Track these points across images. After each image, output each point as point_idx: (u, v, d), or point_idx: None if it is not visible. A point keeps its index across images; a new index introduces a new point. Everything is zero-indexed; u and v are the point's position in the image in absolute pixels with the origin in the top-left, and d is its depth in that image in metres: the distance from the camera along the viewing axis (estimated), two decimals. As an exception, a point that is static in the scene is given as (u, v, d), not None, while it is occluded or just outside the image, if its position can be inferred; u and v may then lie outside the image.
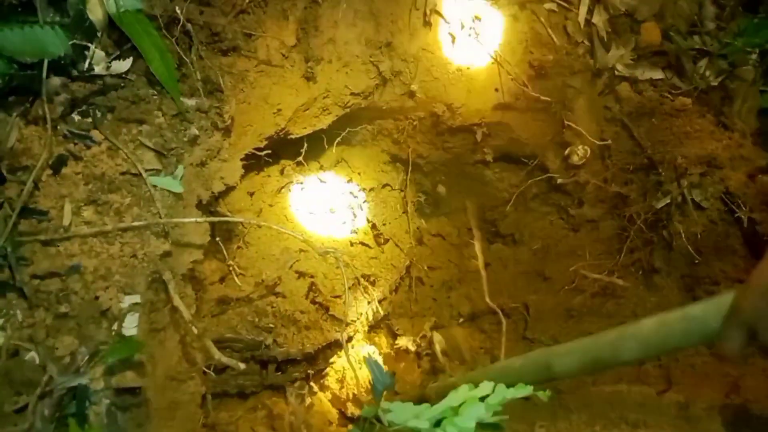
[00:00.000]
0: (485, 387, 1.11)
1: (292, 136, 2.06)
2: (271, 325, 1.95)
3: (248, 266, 2.02)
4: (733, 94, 2.25)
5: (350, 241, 2.32)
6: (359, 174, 2.49)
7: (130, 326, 1.23)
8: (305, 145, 2.20)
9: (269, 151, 1.87)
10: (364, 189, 2.47)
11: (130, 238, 1.28)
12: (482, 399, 1.09)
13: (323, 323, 2.04)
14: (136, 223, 1.28)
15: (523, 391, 1.10)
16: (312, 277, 2.08)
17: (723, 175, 2.15)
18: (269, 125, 1.82)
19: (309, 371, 2.06)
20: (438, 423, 1.10)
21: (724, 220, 2.15)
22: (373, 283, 2.27)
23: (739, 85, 2.25)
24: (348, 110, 2.10)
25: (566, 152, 2.35)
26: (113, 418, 1.17)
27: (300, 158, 2.24)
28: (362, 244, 2.35)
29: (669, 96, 2.25)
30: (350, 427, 1.87)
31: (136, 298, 1.24)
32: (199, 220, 1.39)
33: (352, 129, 2.33)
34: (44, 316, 1.18)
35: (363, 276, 2.25)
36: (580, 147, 2.31)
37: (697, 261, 2.09)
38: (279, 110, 1.82)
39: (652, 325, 1.08)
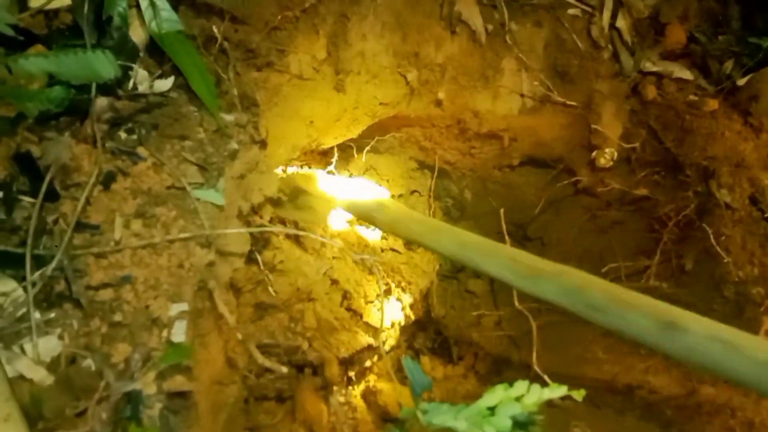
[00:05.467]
0: (520, 387, 1.15)
1: (324, 146, 2.12)
2: (306, 331, 2.01)
3: (284, 273, 2.08)
4: (760, 93, 2.25)
5: (381, 248, 2.37)
6: (388, 181, 2.54)
7: (179, 333, 1.28)
8: (336, 154, 2.26)
9: (303, 162, 1.93)
10: (393, 195, 2.52)
11: (177, 249, 1.34)
12: (518, 399, 1.12)
13: (357, 328, 2.09)
14: (182, 235, 1.34)
15: (559, 391, 1.13)
16: (345, 284, 2.14)
17: (751, 175, 2.16)
18: (302, 136, 1.88)
19: (344, 375, 2.10)
20: (475, 423, 1.13)
21: (753, 220, 2.15)
22: (404, 289, 2.32)
23: (765, 84, 2.25)
24: (377, 119, 2.15)
25: (593, 155, 2.38)
26: (165, 420, 1.23)
27: (331, 167, 2.30)
28: (392, 250, 2.40)
29: (695, 97, 2.26)
30: (388, 426, 1.92)
31: (184, 306, 1.30)
32: (241, 230, 1.45)
33: (380, 137, 2.39)
34: (99, 324, 1.24)
35: (394, 282, 2.29)
36: (606, 150, 2.33)
37: (726, 261, 2.09)
38: (311, 122, 1.87)
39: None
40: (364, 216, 1.91)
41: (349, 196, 1.98)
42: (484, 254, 1.48)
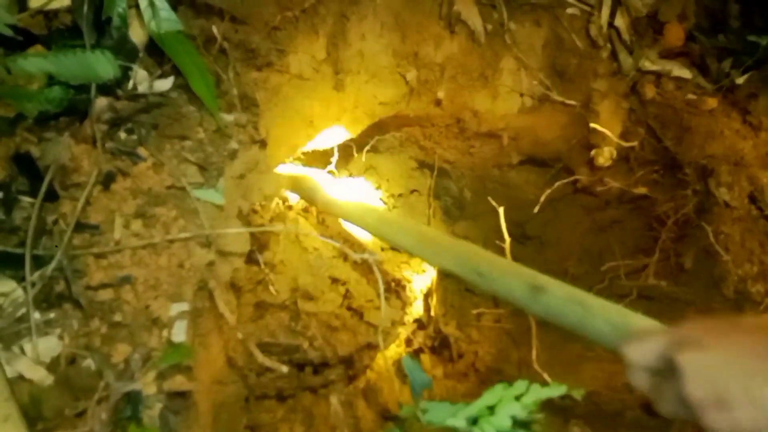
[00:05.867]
0: (519, 386, 1.15)
1: (324, 147, 2.12)
2: (307, 330, 2.01)
3: (283, 273, 2.08)
4: (759, 91, 2.25)
5: (381, 246, 2.37)
6: (387, 180, 2.55)
7: (179, 333, 1.29)
8: (336, 154, 2.26)
9: (303, 162, 1.93)
10: (392, 195, 2.53)
11: (177, 249, 1.34)
12: (517, 398, 1.13)
13: (358, 328, 2.09)
14: (182, 235, 1.34)
15: (558, 390, 1.13)
16: (345, 283, 2.14)
17: (750, 174, 2.16)
18: (302, 136, 1.89)
19: (345, 374, 2.11)
20: (475, 421, 1.14)
21: (752, 218, 2.16)
22: (404, 288, 2.32)
23: (764, 82, 2.26)
24: (377, 119, 2.15)
25: (591, 154, 2.38)
26: (165, 420, 1.23)
27: (331, 167, 2.30)
28: (393, 248, 2.40)
29: (694, 96, 2.26)
30: (388, 425, 1.92)
31: (184, 306, 1.30)
32: (240, 230, 1.45)
33: (380, 137, 2.39)
34: (99, 325, 1.24)
35: (394, 280, 2.30)
36: (605, 149, 2.34)
37: (725, 259, 2.10)
38: (311, 122, 1.88)
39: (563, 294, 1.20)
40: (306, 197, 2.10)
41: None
42: (399, 228, 1.69)
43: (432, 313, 2.61)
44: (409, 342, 2.57)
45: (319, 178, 2.12)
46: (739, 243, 2.11)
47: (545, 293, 1.25)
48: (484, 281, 1.39)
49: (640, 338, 0.95)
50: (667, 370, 0.86)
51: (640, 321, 1.10)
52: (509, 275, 1.35)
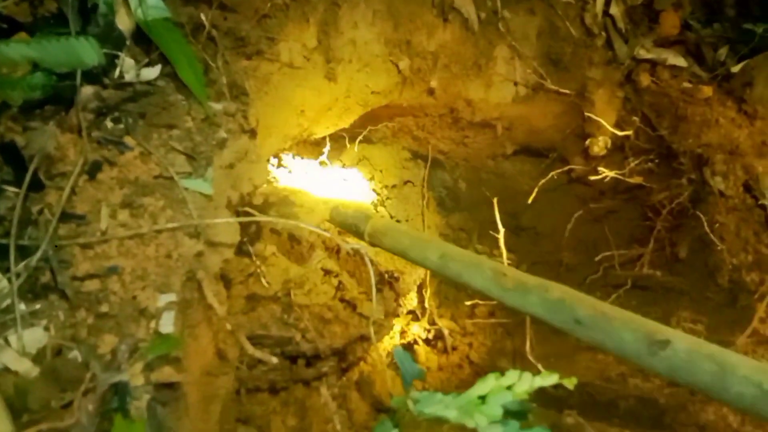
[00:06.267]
0: (511, 375, 1.14)
1: (315, 136, 2.10)
2: (299, 322, 1.99)
3: (276, 264, 2.06)
4: (754, 80, 2.24)
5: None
6: (381, 171, 2.53)
7: (167, 324, 1.27)
8: (328, 144, 2.24)
9: (294, 152, 1.91)
10: (386, 186, 2.51)
11: (165, 240, 1.32)
12: (509, 387, 1.11)
13: (350, 320, 2.08)
14: (169, 225, 1.32)
15: (550, 379, 1.12)
16: (338, 275, 2.12)
17: (745, 163, 2.15)
18: (293, 126, 1.86)
19: (338, 366, 2.10)
20: (466, 411, 1.13)
21: (747, 208, 2.15)
22: (397, 279, 2.31)
23: (760, 71, 2.24)
24: (369, 109, 2.13)
25: (586, 144, 2.37)
26: (153, 412, 1.21)
27: (323, 157, 2.28)
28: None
29: (689, 85, 2.24)
30: (381, 417, 1.91)
31: (172, 297, 1.28)
32: (230, 220, 1.43)
33: (373, 127, 2.37)
34: (85, 316, 1.23)
35: (387, 272, 2.28)
36: (600, 138, 2.32)
37: (720, 248, 2.08)
38: (302, 111, 1.86)
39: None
40: (351, 225, 1.91)
41: (334, 209, 1.98)
42: (468, 267, 1.48)
43: (426, 305, 2.60)
44: (403, 334, 2.56)
45: (364, 205, 2.02)
46: (733, 232, 2.10)
47: (667, 348, 1.08)
48: (584, 330, 1.23)
49: None
50: None
51: None
52: (619, 325, 1.18)
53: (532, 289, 1.33)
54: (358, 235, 1.85)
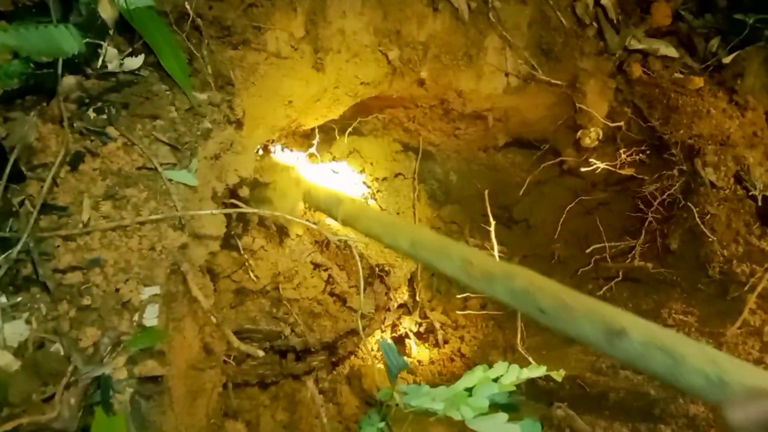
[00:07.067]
0: (499, 367, 1.13)
1: (304, 128, 2.08)
2: (289, 316, 1.98)
3: (264, 258, 2.05)
4: (745, 71, 2.23)
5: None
6: (371, 164, 2.51)
7: (151, 317, 1.25)
8: (317, 136, 2.22)
9: (282, 143, 1.89)
10: (377, 178, 2.49)
11: (148, 231, 1.30)
12: (495, 380, 1.10)
13: (340, 314, 2.07)
14: (153, 217, 1.30)
15: (537, 371, 1.11)
16: (328, 269, 2.11)
17: (736, 154, 2.14)
18: (281, 117, 1.84)
19: (328, 360, 2.08)
20: (453, 404, 1.12)
21: (738, 199, 2.14)
22: (387, 273, 2.29)
23: (751, 62, 2.23)
24: (358, 100, 2.11)
25: (578, 135, 2.35)
26: (137, 406, 1.20)
27: (313, 149, 2.26)
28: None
29: (681, 75, 2.23)
30: (370, 410, 1.90)
31: (156, 290, 1.27)
32: (214, 212, 1.41)
33: (363, 119, 2.35)
34: (67, 308, 1.21)
35: (377, 265, 2.27)
36: (591, 130, 2.31)
37: (711, 240, 2.08)
38: (290, 102, 1.83)
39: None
40: (324, 209, 1.95)
41: (307, 192, 1.98)
42: (438, 253, 1.50)
43: (417, 299, 2.59)
44: (394, 327, 2.55)
45: (339, 189, 2.02)
46: (724, 223, 2.09)
47: (625, 339, 1.11)
48: (547, 319, 1.25)
49: (746, 400, 0.91)
50: None
51: (735, 371, 1.00)
52: (580, 315, 1.20)
53: (498, 278, 1.35)
54: (332, 218, 1.89)
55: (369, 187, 2.48)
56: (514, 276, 1.32)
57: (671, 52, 2.25)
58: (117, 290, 1.24)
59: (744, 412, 0.89)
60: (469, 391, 1.13)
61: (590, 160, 2.35)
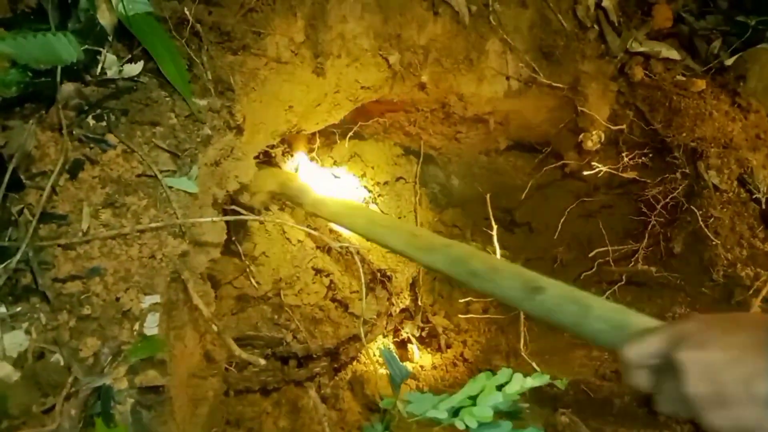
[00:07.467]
0: (503, 375, 1.12)
1: (305, 132, 2.07)
2: (290, 322, 1.97)
3: (266, 264, 2.04)
4: (748, 73, 2.22)
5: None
6: (372, 168, 2.50)
7: (152, 326, 1.24)
8: (318, 140, 2.21)
9: (283, 148, 1.89)
10: (378, 183, 2.48)
11: (149, 239, 1.29)
12: (499, 388, 1.09)
13: (342, 319, 2.06)
14: (153, 225, 1.30)
15: (541, 379, 1.10)
16: (329, 275, 2.10)
17: (739, 156, 2.13)
18: (281, 122, 1.83)
19: (330, 366, 2.07)
20: (456, 412, 1.10)
21: (741, 202, 2.12)
22: (389, 278, 2.28)
23: (753, 64, 2.22)
24: (359, 104, 2.10)
25: (580, 138, 2.34)
26: (138, 416, 1.19)
27: (313, 154, 2.25)
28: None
29: (683, 78, 2.22)
30: (373, 417, 1.89)
31: (157, 298, 1.26)
32: (215, 219, 1.40)
33: (363, 123, 2.34)
34: (67, 318, 1.20)
35: (379, 270, 2.26)
36: (593, 133, 2.30)
37: (714, 243, 2.06)
38: (290, 107, 1.83)
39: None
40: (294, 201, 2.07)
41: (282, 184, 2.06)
42: (389, 230, 1.68)
43: (419, 303, 2.58)
44: (396, 332, 2.54)
45: (305, 179, 2.08)
46: (728, 227, 2.07)
47: (542, 293, 1.23)
48: (478, 281, 1.38)
49: (640, 338, 0.93)
50: (667, 369, 0.84)
51: (638, 319, 1.07)
52: (505, 275, 1.33)
53: (438, 248, 1.50)
54: (300, 206, 2.03)
55: (370, 191, 2.47)
56: (452, 246, 1.49)
57: (673, 54, 2.24)
58: (117, 299, 1.23)
59: (635, 350, 0.92)
60: (473, 399, 1.12)
61: (592, 163, 2.34)
